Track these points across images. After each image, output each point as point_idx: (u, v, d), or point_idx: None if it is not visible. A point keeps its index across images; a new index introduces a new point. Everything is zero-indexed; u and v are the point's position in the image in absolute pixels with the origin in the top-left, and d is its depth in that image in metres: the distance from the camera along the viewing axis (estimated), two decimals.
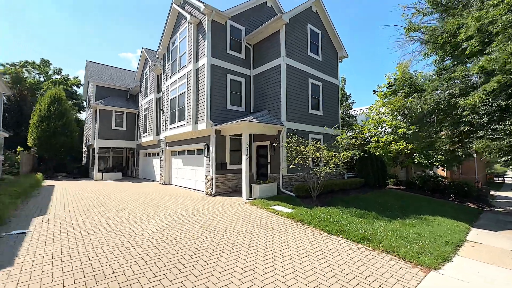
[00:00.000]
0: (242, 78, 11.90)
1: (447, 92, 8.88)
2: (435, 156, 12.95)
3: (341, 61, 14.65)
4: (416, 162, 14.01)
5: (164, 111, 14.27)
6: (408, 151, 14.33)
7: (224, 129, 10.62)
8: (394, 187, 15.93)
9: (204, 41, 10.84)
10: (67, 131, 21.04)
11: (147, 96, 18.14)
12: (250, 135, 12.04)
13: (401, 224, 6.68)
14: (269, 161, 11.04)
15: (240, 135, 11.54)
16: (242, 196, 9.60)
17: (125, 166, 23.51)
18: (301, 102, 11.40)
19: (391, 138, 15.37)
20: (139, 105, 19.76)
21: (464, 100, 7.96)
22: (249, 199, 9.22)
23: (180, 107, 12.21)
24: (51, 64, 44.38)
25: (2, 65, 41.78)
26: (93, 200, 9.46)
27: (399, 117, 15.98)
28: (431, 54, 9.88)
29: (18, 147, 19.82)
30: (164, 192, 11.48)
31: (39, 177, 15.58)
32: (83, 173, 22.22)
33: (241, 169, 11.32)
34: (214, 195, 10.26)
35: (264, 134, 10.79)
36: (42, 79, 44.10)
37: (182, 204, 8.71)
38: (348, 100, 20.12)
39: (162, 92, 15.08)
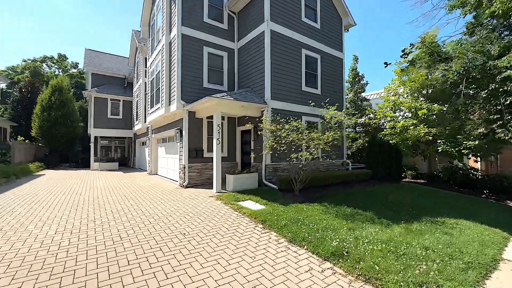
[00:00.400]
0: (224, 52, 10.21)
1: (481, 55, 6.52)
2: (464, 142, 10.44)
3: (347, 30, 12.33)
4: (440, 151, 11.54)
5: (148, 95, 13.08)
6: (430, 138, 11.86)
7: (197, 110, 9.11)
8: (412, 180, 13.53)
9: (176, 7, 9.28)
10: (69, 121, 20.89)
11: (138, 81, 17.15)
12: (234, 118, 10.44)
13: (404, 230, 4.76)
14: (252, 147, 9.39)
15: (222, 118, 10.00)
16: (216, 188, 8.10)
17: (127, 156, 23.15)
18: (291, 77, 9.49)
19: (410, 122, 12.92)
20: (133, 91, 18.91)
21: (509, 57, 5.62)
22: (221, 192, 7.70)
23: (157, 88, 10.88)
24: (67, 58, 45.81)
25: (24, 60, 43.84)
26: (52, 192, 8.54)
27: (421, 99, 13.31)
28: (459, 7, 7.40)
29: (19, 136, 20.06)
30: (137, 184, 10.36)
31: (32, 167, 15.35)
32: (87, 163, 22.16)
33: (222, 157, 9.81)
34: (186, 187, 8.88)
35: (248, 116, 9.15)
36: (60, 73, 45.57)
37: (132, 199, 7.43)
38: (361, 81, 17.59)
39: (146, 75, 13.90)
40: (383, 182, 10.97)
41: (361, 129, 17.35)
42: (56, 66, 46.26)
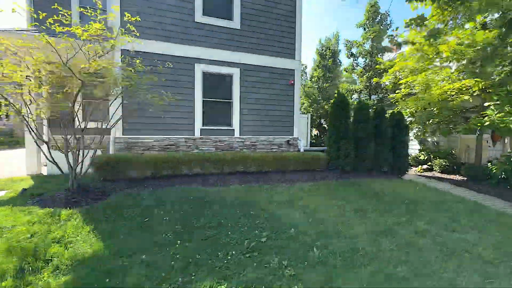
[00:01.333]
0: None
1: None
2: None
3: None
4: (487, 124, 5.88)
5: None
6: (468, 98, 6.27)
7: None
8: (439, 175, 7.95)
9: None
10: None
11: None
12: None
13: None
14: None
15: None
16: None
17: None
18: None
19: (443, 74, 7.21)
20: None
21: None
22: (34, 175, 5.32)
23: None
24: None
25: None
26: None
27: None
28: None
29: None
30: None
31: None
32: None
33: (107, 128, 7.29)
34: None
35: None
36: None
37: None
38: (384, 22, 11.53)
39: None
40: (368, 175, 6.29)
41: (377, 96, 11.66)
42: None
